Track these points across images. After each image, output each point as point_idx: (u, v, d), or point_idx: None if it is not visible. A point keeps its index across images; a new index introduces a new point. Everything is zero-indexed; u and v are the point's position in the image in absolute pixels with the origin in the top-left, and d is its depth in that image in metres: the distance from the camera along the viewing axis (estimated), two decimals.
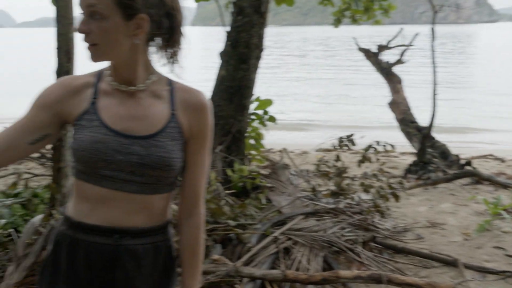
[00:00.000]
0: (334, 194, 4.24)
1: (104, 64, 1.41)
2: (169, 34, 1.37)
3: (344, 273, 2.90)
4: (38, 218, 3.01)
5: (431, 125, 6.70)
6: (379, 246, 3.80)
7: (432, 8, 7.19)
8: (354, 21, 9.33)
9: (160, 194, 1.39)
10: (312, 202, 4.12)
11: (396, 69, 8.46)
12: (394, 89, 8.25)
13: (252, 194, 4.41)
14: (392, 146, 4.01)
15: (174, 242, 1.47)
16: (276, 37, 73.72)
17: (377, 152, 4.01)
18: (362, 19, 9.23)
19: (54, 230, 1.46)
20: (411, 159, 7.14)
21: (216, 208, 3.43)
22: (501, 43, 52.11)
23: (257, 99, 5.31)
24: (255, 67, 5.05)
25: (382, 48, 8.68)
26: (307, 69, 28.53)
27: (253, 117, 5.33)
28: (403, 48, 8.66)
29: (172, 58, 1.41)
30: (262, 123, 5.28)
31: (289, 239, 3.43)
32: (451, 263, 3.60)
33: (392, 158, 7.79)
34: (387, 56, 8.76)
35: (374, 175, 4.16)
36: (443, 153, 6.85)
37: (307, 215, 3.85)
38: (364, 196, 4.66)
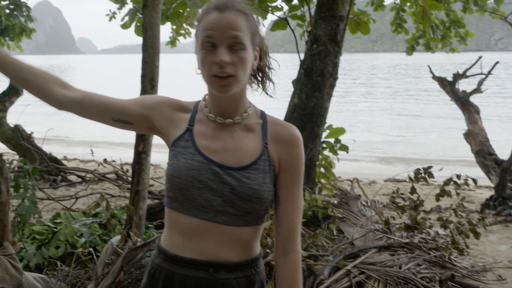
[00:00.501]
0: (408, 228, 4.07)
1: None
2: (263, 69, 1.47)
3: None
4: (116, 239, 3.11)
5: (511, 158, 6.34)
6: (457, 285, 3.59)
7: None
8: (428, 48, 9.11)
9: (250, 226, 1.39)
10: (385, 235, 3.98)
11: (473, 99, 8.13)
12: (470, 119, 7.92)
13: (322, 224, 4.34)
14: (475, 180, 3.81)
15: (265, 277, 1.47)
16: (344, 64, 73.30)
17: (457, 186, 3.82)
18: (437, 47, 9.00)
19: (149, 262, 1.46)
20: (488, 193, 6.78)
21: None
22: None
23: (329, 127, 5.27)
24: (329, 95, 5.03)
25: (458, 76, 8.39)
26: (376, 97, 28.06)
27: (324, 145, 5.28)
28: (481, 76, 8.33)
29: (264, 90, 1.49)
30: (333, 151, 5.21)
31: (362, 273, 3.33)
32: None
33: (467, 191, 7.43)
34: (463, 85, 8.45)
35: (454, 210, 3.96)
36: None
37: (381, 248, 3.72)
38: (441, 231, 4.46)
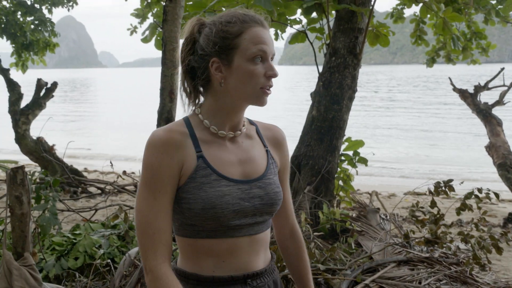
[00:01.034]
0: (428, 242, 4.00)
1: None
2: None
3: None
4: (134, 251, 3.12)
5: None
6: None
7: None
8: (449, 60, 9.04)
9: (268, 227, 1.46)
10: (404, 250, 3.92)
11: (495, 111, 8.00)
12: (492, 132, 7.79)
13: (341, 238, 4.30)
14: (497, 194, 3.73)
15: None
16: (364, 76, 73.10)
17: (479, 200, 3.74)
18: (458, 59, 8.92)
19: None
20: (511, 207, 6.63)
21: None
22: None
23: (348, 140, 5.23)
24: (348, 108, 5.01)
25: (479, 88, 8.27)
26: (396, 109, 27.85)
27: (342, 158, 5.24)
28: (503, 88, 8.20)
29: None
30: (352, 164, 5.17)
31: (381, 287, 3.27)
32: None
33: (489, 205, 7.28)
34: (485, 97, 8.33)
35: (475, 225, 3.88)
36: None
37: (400, 263, 3.66)
38: (461, 246, 4.37)
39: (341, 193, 5.20)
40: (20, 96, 8.13)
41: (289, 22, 5.79)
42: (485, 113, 8.04)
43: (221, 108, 1.38)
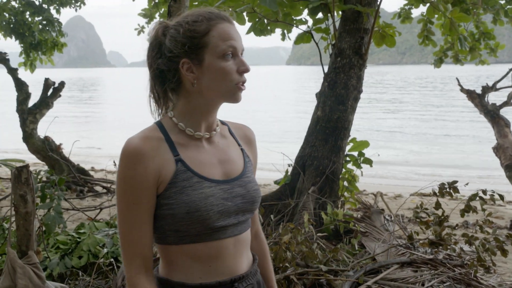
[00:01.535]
0: (432, 244, 3.98)
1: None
2: None
3: None
4: None
5: None
6: None
7: None
8: (457, 61, 8.99)
9: (249, 227, 1.46)
10: (408, 251, 3.90)
11: (503, 112, 7.94)
12: (500, 133, 7.73)
13: (344, 238, 4.29)
14: (501, 196, 3.70)
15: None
16: (372, 76, 72.86)
17: (483, 202, 3.72)
18: (466, 59, 8.86)
19: None
20: None
21: (308, 251, 3.37)
22: None
23: (353, 140, 5.22)
24: (353, 108, 5.00)
25: (487, 89, 8.21)
26: (402, 109, 27.74)
27: (347, 158, 5.23)
28: None
29: None
30: (357, 165, 5.16)
31: None
32: None
33: (496, 207, 7.23)
34: (493, 98, 8.27)
35: (480, 226, 3.85)
36: None
37: (403, 264, 3.64)
38: (466, 248, 4.34)
39: (346, 194, 5.19)
40: (28, 96, 8.20)
41: (294, 22, 5.79)
42: (492, 114, 7.98)
43: (195, 109, 1.35)
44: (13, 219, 2.98)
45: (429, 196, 6.78)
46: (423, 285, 3.35)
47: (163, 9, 7.85)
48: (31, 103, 8.26)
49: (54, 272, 3.57)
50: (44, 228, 3.90)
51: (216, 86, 1.32)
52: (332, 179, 4.88)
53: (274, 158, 6.17)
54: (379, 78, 70.93)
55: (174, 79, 1.34)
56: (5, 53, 8.40)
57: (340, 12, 5.33)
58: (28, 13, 8.87)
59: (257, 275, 1.47)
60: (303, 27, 5.65)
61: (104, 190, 7.63)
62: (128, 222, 1.28)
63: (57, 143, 8.20)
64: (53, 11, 9.11)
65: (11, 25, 8.81)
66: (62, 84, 8.46)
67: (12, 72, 8.26)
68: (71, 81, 79.33)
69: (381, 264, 3.57)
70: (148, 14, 8.35)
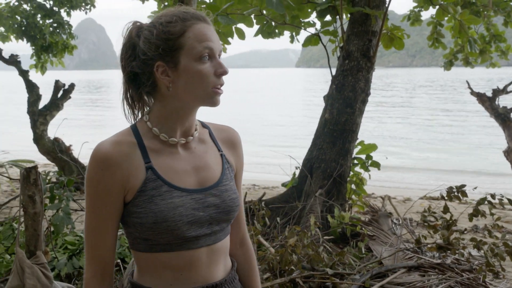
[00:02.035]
0: (440, 248, 3.95)
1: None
2: None
3: None
4: None
5: None
6: None
7: None
8: (467, 63, 8.93)
9: (227, 235, 1.40)
10: (415, 255, 3.87)
11: None
12: (511, 136, 7.67)
13: (351, 242, 4.28)
14: (510, 200, 3.66)
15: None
16: (381, 79, 72.56)
17: (492, 206, 3.69)
18: (476, 62, 8.80)
19: None
20: None
21: (314, 254, 3.36)
22: None
23: (361, 143, 5.21)
24: (361, 111, 4.99)
25: (498, 92, 8.15)
26: (413, 112, 27.59)
27: (355, 161, 5.22)
28: None
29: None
30: (364, 168, 5.14)
31: None
32: None
33: (505, 211, 7.16)
34: (504, 101, 8.20)
35: (488, 231, 3.82)
36: None
37: (410, 268, 3.62)
38: (474, 253, 4.30)
39: (353, 197, 5.17)
40: (38, 97, 8.27)
41: (302, 24, 5.79)
42: (503, 117, 7.91)
43: (170, 114, 1.29)
44: (22, 219, 3.00)
45: (437, 200, 6.75)
46: None
47: (166, 10, 7.87)
48: (41, 104, 8.33)
49: (62, 272, 3.60)
50: (52, 229, 3.93)
51: (192, 90, 1.25)
52: (339, 182, 4.86)
53: (282, 161, 6.16)
54: (388, 81, 70.64)
55: (149, 83, 1.27)
56: (17, 55, 8.49)
57: (348, 15, 5.33)
58: (39, 16, 8.94)
59: (234, 283, 1.41)
60: (311, 30, 5.66)
61: None
62: (91, 225, 1.26)
63: (67, 144, 8.26)
64: (63, 14, 9.19)
65: (23, 28, 8.88)
66: (72, 86, 8.52)
67: (23, 74, 8.34)
68: (82, 83, 79.92)
69: (388, 268, 3.55)
70: None
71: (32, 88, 8.24)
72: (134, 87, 1.30)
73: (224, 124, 1.49)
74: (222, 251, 1.36)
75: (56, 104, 8.27)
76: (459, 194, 3.79)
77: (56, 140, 8.10)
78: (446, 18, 7.08)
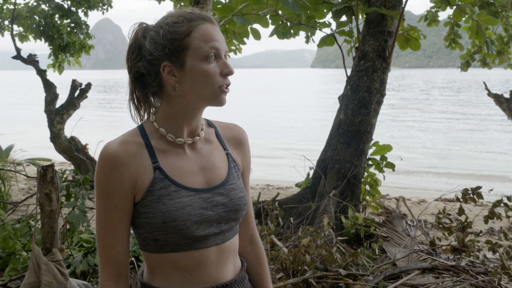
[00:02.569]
0: (455, 250, 3.92)
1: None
2: None
3: None
4: None
5: None
6: None
7: None
8: (485, 64, 8.83)
9: (236, 234, 1.40)
10: (430, 257, 3.84)
11: None
12: None
13: (365, 243, 4.26)
14: None
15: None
16: (397, 80, 71.99)
17: (508, 208, 3.64)
18: (494, 63, 8.70)
19: None
20: None
21: (327, 255, 3.35)
22: None
23: (375, 144, 5.18)
24: (376, 111, 4.97)
25: None
26: (429, 114, 27.33)
27: (370, 162, 5.19)
28: None
29: None
30: (379, 169, 5.12)
31: None
32: None
33: None
34: None
35: (504, 233, 3.77)
36: None
37: (424, 270, 3.60)
38: (490, 255, 4.25)
39: (367, 198, 5.15)
40: (55, 96, 8.38)
41: (318, 25, 5.78)
42: None
43: (177, 114, 1.29)
44: (38, 217, 3.05)
45: (452, 201, 6.68)
46: None
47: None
48: (58, 104, 8.44)
49: (77, 269, 3.64)
50: (68, 226, 3.99)
51: (198, 90, 1.25)
52: (353, 182, 4.85)
53: (296, 161, 6.15)
54: (404, 82, 70.06)
55: (155, 83, 1.27)
56: (35, 55, 8.62)
57: (364, 15, 5.31)
58: (57, 16, 9.06)
59: (244, 283, 1.41)
60: (327, 30, 5.64)
61: None
62: (103, 227, 1.26)
63: (83, 143, 8.36)
64: (81, 14, 9.31)
65: (41, 28, 9.01)
66: (88, 85, 8.63)
67: (41, 73, 8.47)
68: (98, 82, 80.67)
69: (402, 269, 3.53)
70: None
71: (49, 87, 8.36)
72: (140, 87, 1.31)
73: (232, 122, 1.49)
74: (231, 250, 1.36)
75: (73, 103, 8.37)
76: (475, 196, 3.75)
77: (73, 139, 8.20)
78: (463, 19, 7.00)
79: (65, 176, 4.61)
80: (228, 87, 1.28)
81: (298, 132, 19.82)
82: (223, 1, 5.31)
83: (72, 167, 8.71)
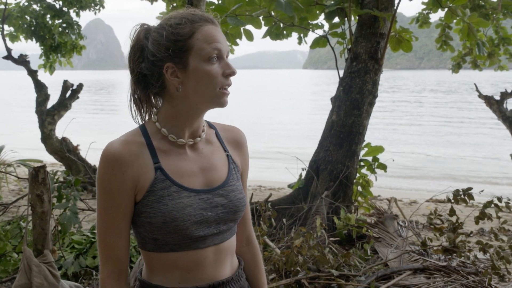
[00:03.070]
0: (446, 251, 3.95)
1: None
2: None
3: None
4: None
5: None
6: None
7: None
8: (475, 66, 8.90)
9: (233, 234, 1.42)
10: (421, 258, 3.87)
11: None
12: None
13: (357, 244, 4.27)
14: None
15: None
16: (388, 81, 72.35)
17: (498, 209, 3.67)
18: (484, 65, 8.77)
19: None
20: None
21: (320, 255, 3.36)
22: None
23: (368, 145, 5.20)
24: (368, 113, 4.99)
25: (506, 95, 8.11)
26: (420, 115, 27.50)
27: (362, 163, 5.21)
28: None
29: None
30: (371, 170, 5.14)
31: None
32: None
33: None
34: None
35: (494, 234, 3.81)
36: None
37: (416, 271, 3.62)
38: (480, 256, 4.29)
39: (359, 199, 5.17)
40: (46, 97, 8.33)
41: (311, 26, 5.79)
42: (511, 120, 7.88)
43: (179, 114, 1.31)
44: (29, 218, 3.03)
45: (444, 202, 6.72)
46: None
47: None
48: (50, 104, 8.39)
49: (69, 271, 3.63)
50: (59, 228, 3.97)
51: (201, 91, 1.26)
52: (346, 184, 4.86)
53: (288, 162, 6.16)
54: (396, 83, 70.40)
55: (158, 84, 1.29)
56: (26, 55, 8.55)
57: (356, 17, 5.33)
58: (48, 16, 9.00)
59: (241, 281, 1.43)
60: (319, 32, 5.66)
61: None
62: (104, 225, 1.27)
63: (75, 144, 8.31)
64: (72, 14, 9.25)
65: (32, 28, 8.95)
66: (80, 86, 8.58)
67: (32, 73, 8.41)
68: (90, 83, 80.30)
69: (393, 270, 3.55)
70: None
71: (40, 88, 8.31)
72: (142, 88, 1.32)
73: (230, 124, 1.50)
74: (229, 250, 1.38)
75: (64, 104, 8.33)
76: (466, 197, 3.78)
77: (64, 139, 8.16)
78: (454, 21, 7.06)
79: (56, 177, 4.59)
80: (229, 88, 1.29)
81: (290, 133, 19.85)
82: (216, 2, 5.31)
83: (63, 168, 8.66)
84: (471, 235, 4.87)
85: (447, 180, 11.15)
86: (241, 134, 1.48)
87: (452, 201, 3.86)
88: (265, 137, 18.09)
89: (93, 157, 8.25)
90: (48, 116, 8.19)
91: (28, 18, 8.96)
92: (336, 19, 5.42)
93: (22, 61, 8.50)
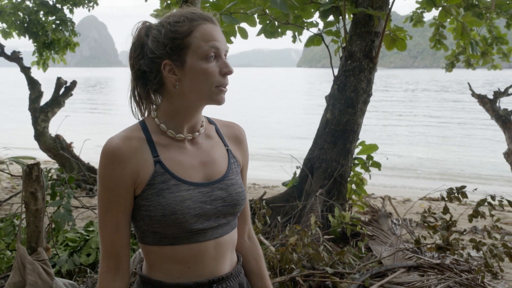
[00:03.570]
0: (440, 249, 3.97)
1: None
2: None
3: None
4: None
5: None
6: None
7: None
8: (469, 65, 8.94)
9: (235, 228, 1.43)
10: (415, 255, 3.89)
11: None
12: (511, 138, 7.68)
13: (351, 241, 4.29)
14: (510, 202, 3.67)
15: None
16: (381, 80, 72.57)
17: (491, 207, 3.70)
18: (478, 64, 8.82)
19: None
20: None
21: (314, 253, 3.37)
22: None
23: (362, 144, 5.22)
24: (362, 111, 5.00)
25: (499, 94, 8.17)
26: (414, 113, 27.60)
27: (356, 161, 5.23)
28: None
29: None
30: (365, 168, 5.16)
31: None
32: None
33: (505, 213, 7.17)
34: (505, 103, 8.22)
35: (488, 232, 3.83)
36: None
37: (410, 268, 3.64)
38: (474, 253, 4.32)
39: (353, 197, 5.19)
40: (40, 94, 8.28)
41: (305, 25, 5.79)
42: (504, 119, 7.94)
43: (177, 111, 1.33)
44: (23, 216, 3.02)
45: (437, 200, 6.76)
46: None
47: (175, 10, 7.88)
48: (43, 101, 8.34)
49: (63, 268, 3.61)
50: (53, 225, 3.95)
51: (198, 88, 1.28)
52: (340, 182, 4.88)
53: (283, 160, 6.16)
54: (390, 81, 70.62)
55: (156, 80, 1.31)
56: (19, 52, 8.50)
57: (351, 15, 5.34)
58: (42, 12, 8.94)
59: (239, 277, 1.44)
60: (314, 30, 5.66)
61: None
62: (104, 220, 1.29)
63: (68, 141, 8.27)
64: (66, 11, 9.19)
65: (25, 24, 8.89)
66: (74, 83, 8.54)
67: (25, 70, 8.36)
68: (83, 80, 79.94)
69: (387, 267, 3.56)
70: (160, 15, 8.30)
71: (33, 85, 8.26)
72: (142, 84, 1.34)
73: (230, 120, 1.52)
74: (229, 245, 1.38)
75: (57, 101, 8.28)
76: (459, 195, 3.80)
77: (58, 137, 8.11)
78: (448, 20, 7.08)
79: (50, 174, 4.57)
80: (226, 87, 1.31)
81: (285, 131, 19.87)
82: (211, 0, 5.30)
83: (57, 165, 8.62)
84: (465, 233, 4.89)
85: (440, 178, 11.21)
86: (241, 130, 1.50)
87: (446, 199, 3.88)
88: (260, 135, 18.10)
89: (86, 155, 8.24)
90: (41, 113, 8.14)
91: (21, 14, 8.90)
92: (331, 18, 5.43)
93: (15, 57, 8.44)
